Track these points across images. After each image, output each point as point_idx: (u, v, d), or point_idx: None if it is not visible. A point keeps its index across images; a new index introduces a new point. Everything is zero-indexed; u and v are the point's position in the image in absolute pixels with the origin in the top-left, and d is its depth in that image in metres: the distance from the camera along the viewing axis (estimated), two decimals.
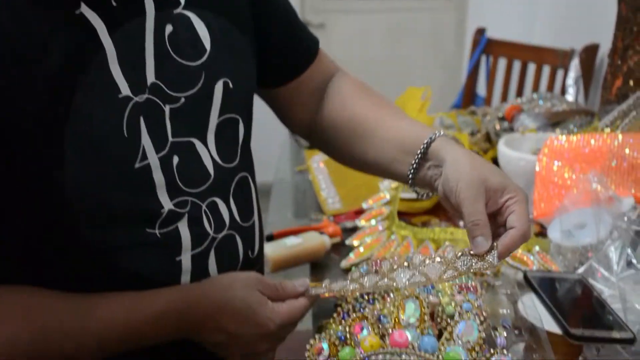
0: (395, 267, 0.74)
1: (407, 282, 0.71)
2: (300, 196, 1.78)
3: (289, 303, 0.78)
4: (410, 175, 0.85)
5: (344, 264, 1.33)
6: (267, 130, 2.06)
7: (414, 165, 0.84)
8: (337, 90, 0.99)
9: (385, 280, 0.74)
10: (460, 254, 0.74)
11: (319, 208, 1.64)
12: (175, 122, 0.76)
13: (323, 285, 0.80)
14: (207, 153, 0.81)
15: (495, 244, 0.73)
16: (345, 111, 0.95)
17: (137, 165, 0.72)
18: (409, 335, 0.65)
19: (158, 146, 0.74)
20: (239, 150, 0.87)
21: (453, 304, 0.73)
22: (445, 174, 0.78)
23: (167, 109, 0.75)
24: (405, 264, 0.74)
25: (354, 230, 1.47)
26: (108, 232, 0.73)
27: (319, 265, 1.37)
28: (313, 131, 1.02)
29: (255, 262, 0.92)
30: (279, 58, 0.95)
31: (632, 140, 1.42)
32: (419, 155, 0.83)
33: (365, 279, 0.75)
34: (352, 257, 1.33)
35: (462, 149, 0.80)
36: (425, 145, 0.82)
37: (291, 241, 1.30)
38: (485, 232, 0.73)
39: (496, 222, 0.77)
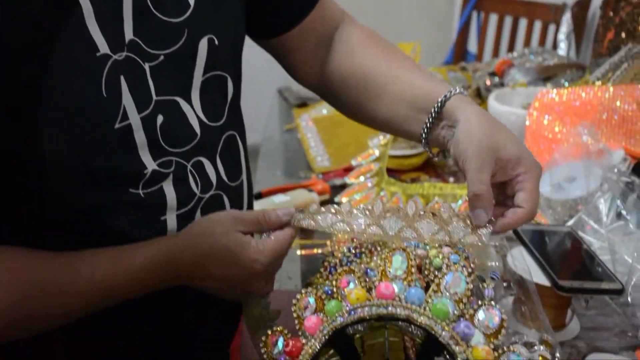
0: (387, 214, 0.73)
1: (396, 233, 0.70)
2: (289, 155, 1.77)
3: (273, 237, 0.76)
4: (424, 135, 0.80)
5: None
6: (255, 89, 2.03)
7: (428, 125, 0.78)
8: (345, 39, 0.93)
9: (374, 228, 0.72)
10: (455, 218, 0.72)
11: (308, 166, 1.63)
12: (157, 81, 0.74)
13: (310, 210, 0.77)
14: (192, 112, 0.79)
15: (492, 219, 0.71)
16: (353, 63, 0.90)
17: (117, 125, 0.70)
18: (395, 287, 0.64)
19: (140, 105, 0.72)
20: (227, 109, 0.85)
21: (441, 256, 0.72)
22: (456, 136, 0.74)
23: (146, 67, 0.73)
24: (400, 212, 0.72)
25: (342, 187, 1.46)
26: (90, 192, 0.71)
27: None
28: (323, 85, 0.96)
29: None
30: (274, 5, 0.91)
31: (623, 93, 1.41)
32: (433, 115, 0.77)
33: (354, 219, 0.73)
34: None
35: (478, 110, 0.75)
36: (439, 104, 0.77)
37: (279, 199, 1.29)
38: (487, 205, 0.70)
39: (504, 191, 0.74)
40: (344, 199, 1.37)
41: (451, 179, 1.51)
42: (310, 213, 0.77)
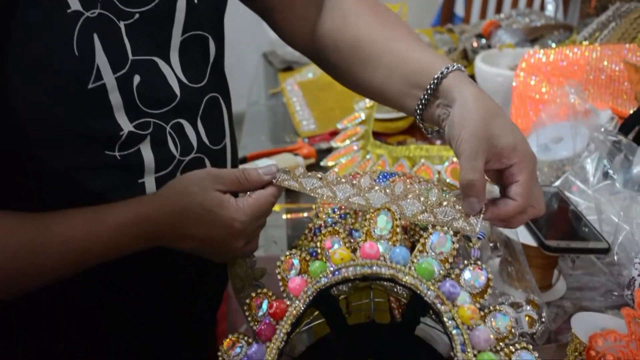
0: (375, 187, 0.71)
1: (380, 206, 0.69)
2: (275, 119, 1.75)
3: (254, 196, 0.73)
4: (418, 112, 0.76)
5: None
6: (239, 53, 2.00)
7: (423, 102, 0.74)
8: (338, 4, 0.89)
9: (358, 198, 0.71)
10: (445, 202, 0.69)
11: (294, 130, 1.61)
12: (133, 40, 0.72)
13: (296, 172, 0.75)
14: (172, 72, 0.76)
15: (483, 207, 0.69)
16: (347, 30, 0.85)
17: (90, 85, 0.68)
18: (380, 247, 0.63)
19: (116, 65, 0.70)
20: (209, 70, 0.82)
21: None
22: (451, 118, 0.70)
23: (121, 25, 0.70)
24: (387, 190, 0.70)
25: (328, 151, 1.45)
26: (66, 154, 0.70)
27: None
28: (313, 48, 0.92)
29: None
30: None
31: (610, 52, 1.39)
32: (429, 92, 0.74)
33: (340, 187, 0.72)
34: None
35: (475, 91, 0.71)
36: (435, 81, 0.73)
37: (264, 163, 1.27)
38: (480, 193, 0.67)
39: (501, 179, 0.71)
40: (330, 163, 1.36)
41: (438, 142, 1.49)
42: (295, 175, 0.75)
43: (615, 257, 0.94)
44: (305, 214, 1.25)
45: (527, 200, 0.68)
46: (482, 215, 0.69)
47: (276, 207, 1.26)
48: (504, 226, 0.72)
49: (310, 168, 1.39)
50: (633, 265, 0.89)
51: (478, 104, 0.69)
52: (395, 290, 0.66)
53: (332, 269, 0.62)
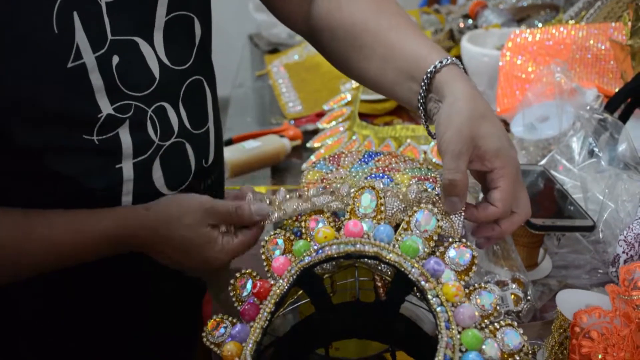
0: (352, 190, 0.70)
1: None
2: (260, 101, 1.74)
3: (240, 238, 0.73)
4: (421, 108, 0.74)
5: (305, 166, 1.31)
6: (225, 35, 1.98)
7: (421, 98, 0.73)
8: None
9: (337, 203, 0.70)
10: (425, 200, 0.69)
11: (280, 112, 1.60)
12: (114, 19, 0.70)
13: (278, 199, 0.74)
14: (153, 53, 0.75)
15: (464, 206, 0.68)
16: (342, 15, 0.83)
17: (70, 64, 0.67)
18: (364, 225, 0.63)
19: (95, 44, 0.68)
20: (195, 52, 0.81)
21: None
22: (440, 114, 0.70)
23: (102, 3, 0.69)
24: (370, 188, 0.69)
25: (315, 132, 1.44)
26: (43, 135, 0.68)
27: (279, 168, 1.34)
28: (309, 30, 0.90)
29: (211, 171, 0.87)
30: None
31: (596, 31, 1.39)
32: (424, 87, 0.73)
33: (319, 199, 0.71)
34: (313, 159, 1.31)
35: (466, 88, 0.70)
36: (429, 75, 0.72)
37: (250, 144, 1.26)
38: (461, 192, 0.66)
39: (483, 180, 0.71)
40: (316, 144, 1.35)
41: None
42: (277, 205, 0.73)
43: (601, 235, 0.94)
44: None
45: (507, 207, 0.68)
46: (462, 217, 0.68)
47: (262, 189, 1.25)
48: (498, 237, 0.72)
49: (296, 150, 1.39)
50: (617, 243, 0.89)
51: (468, 104, 0.68)
52: (380, 268, 0.65)
53: (315, 247, 0.61)
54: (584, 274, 0.99)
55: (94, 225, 0.71)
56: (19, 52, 0.63)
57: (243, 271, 0.69)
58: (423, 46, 0.76)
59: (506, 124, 1.42)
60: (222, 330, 0.66)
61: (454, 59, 0.73)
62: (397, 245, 0.61)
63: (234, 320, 0.66)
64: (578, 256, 1.02)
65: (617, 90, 1.34)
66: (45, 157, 0.69)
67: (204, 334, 0.67)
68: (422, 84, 0.73)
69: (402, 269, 0.59)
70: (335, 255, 0.59)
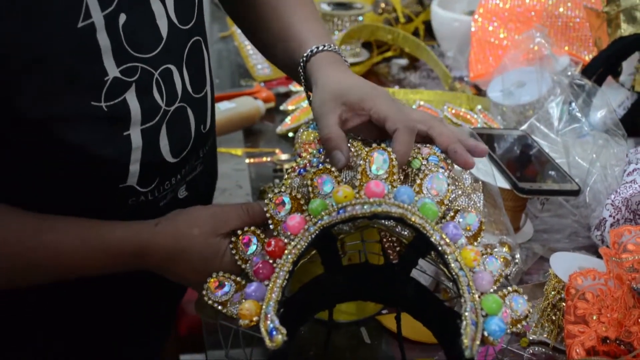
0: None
1: None
2: (227, 63, 1.69)
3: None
4: (306, 91, 0.79)
5: (280, 129, 1.29)
6: None
7: (302, 78, 0.78)
8: None
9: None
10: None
11: (248, 75, 1.57)
12: None
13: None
14: (164, 11, 0.70)
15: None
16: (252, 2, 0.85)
17: (80, 24, 0.62)
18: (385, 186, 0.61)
19: (103, 1, 0.64)
20: (196, 11, 0.77)
21: (420, 157, 0.69)
22: (312, 100, 0.74)
23: None
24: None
25: (287, 95, 1.42)
26: (49, 102, 0.63)
27: (252, 131, 1.32)
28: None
29: (208, 137, 0.83)
30: None
31: None
32: (301, 74, 0.77)
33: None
34: (288, 122, 1.28)
35: (334, 72, 0.74)
36: (301, 68, 0.77)
37: (224, 105, 1.23)
38: (339, 145, 0.68)
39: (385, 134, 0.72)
40: (290, 107, 1.33)
41: (396, 87, 1.48)
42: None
43: (587, 199, 0.95)
44: (269, 158, 1.22)
45: (410, 130, 0.68)
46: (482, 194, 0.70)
47: (238, 152, 1.22)
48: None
49: (269, 113, 1.36)
50: (604, 207, 0.91)
51: (331, 77, 0.73)
52: (398, 230, 0.64)
53: (336, 207, 0.59)
54: (564, 238, 1.01)
55: (105, 237, 0.68)
56: (30, 13, 0.59)
57: (246, 229, 0.66)
58: (307, 31, 0.80)
59: (478, 91, 1.43)
60: (226, 289, 0.64)
61: (332, 46, 0.77)
62: (416, 208, 0.60)
63: (238, 279, 0.64)
64: (559, 220, 1.04)
65: (588, 57, 1.36)
66: (51, 124, 0.65)
67: (204, 292, 0.64)
68: (300, 68, 0.77)
69: (425, 232, 0.58)
70: (360, 215, 0.58)
